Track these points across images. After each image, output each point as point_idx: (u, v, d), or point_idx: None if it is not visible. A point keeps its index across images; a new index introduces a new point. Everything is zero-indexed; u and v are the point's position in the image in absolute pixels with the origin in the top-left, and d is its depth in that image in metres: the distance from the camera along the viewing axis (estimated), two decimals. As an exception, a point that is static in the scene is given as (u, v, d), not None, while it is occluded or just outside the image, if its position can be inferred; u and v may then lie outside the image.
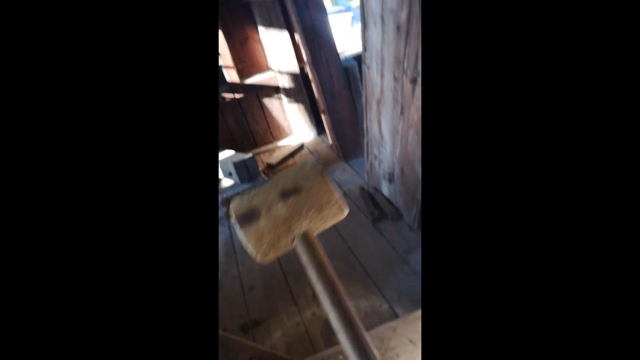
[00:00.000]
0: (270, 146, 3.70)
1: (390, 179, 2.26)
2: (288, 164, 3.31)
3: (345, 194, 2.65)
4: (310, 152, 3.43)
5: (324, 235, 2.28)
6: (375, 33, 1.79)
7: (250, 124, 3.61)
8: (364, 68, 2.06)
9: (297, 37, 3.00)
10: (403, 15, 1.50)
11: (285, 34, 3.24)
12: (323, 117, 3.17)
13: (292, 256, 2.16)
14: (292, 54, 3.32)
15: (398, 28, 1.57)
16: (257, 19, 3.21)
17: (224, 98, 3.35)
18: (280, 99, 3.57)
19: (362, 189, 2.60)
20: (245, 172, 2.81)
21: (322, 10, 2.69)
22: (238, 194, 2.75)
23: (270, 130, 3.72)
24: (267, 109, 3.59)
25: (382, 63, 1.84)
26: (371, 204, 2.39)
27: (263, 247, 0.58)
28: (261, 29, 3.24)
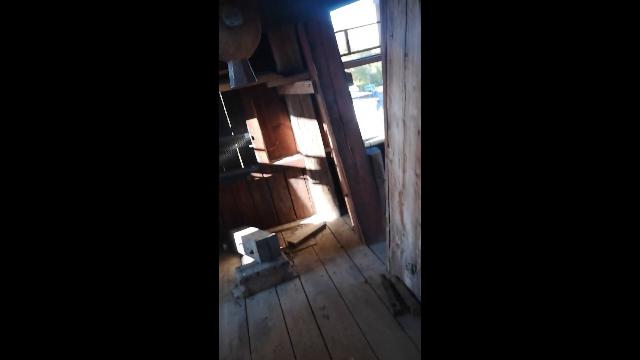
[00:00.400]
0: (292, 224, 3.78)
1: (413, 270, 2.23)
2: (309, 244, 3.34)
3: (366, 281, 2.60)
4: (332, 232, 3.47)
5: (341, 324, 2.20)
6: (397, 133, 1.94)
7: (275, 202, 3.75)
8: (387, 161, 2.19)
9: (325, 126, 3.26)
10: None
11: (314, 123, 3.52)
12: (346, 200, 3.27)
13: (306, 347, 2.06)
14: (319, 140, 3.56)
15: (419, 132, 1.71)
16: (290, 109, 3.53)
17: (252, 177, 3.55)
18: (305, 179, 3.74)
19: (383, 277, 2.55)
20: (267, 251, 2.85)
21: (350, 104, 2.95)
22: (258, 274, 2.75)
23: (294, 209, 3.82)
24: (292, 188, 3.75)
25: (404, 160, 1.95)
26: (393, 295, 2.32)
27: None
28: (293, 118, 3.55)
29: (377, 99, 14.43)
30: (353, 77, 3.49)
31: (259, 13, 0.76)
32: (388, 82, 1.86)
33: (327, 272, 2.84)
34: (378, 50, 4.78)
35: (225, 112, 3.45)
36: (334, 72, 2.87)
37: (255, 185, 3.64)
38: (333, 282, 2.70)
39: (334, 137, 2.94)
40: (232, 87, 0.76)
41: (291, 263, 2.94)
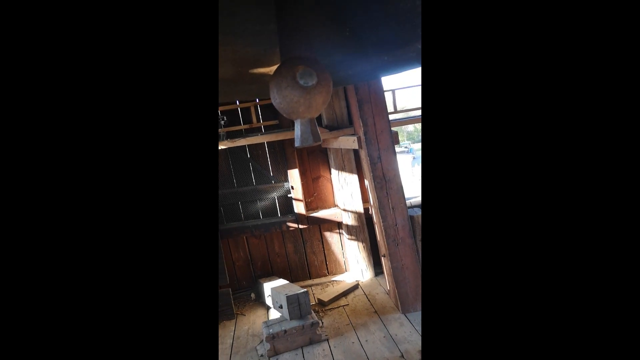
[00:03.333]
0: (324, 279, 3.61)
1: (458, 352, 1.98)
2: (340, 303, 3.13)
3: (402, 356, 2.34)
4: (365, 294, 3.25)
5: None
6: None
7: (308, 255, 3.63)
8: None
9: (366, 182, 3.20)
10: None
11: (354, 178, 3.48)
12: (383, 260, 3.09)
13: None
14: (358, 195, 3.49)
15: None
16: (331, 162, 3.54)
17: (288, 226, 3.50)
18: (341, 234, 3.62)
19: (422, 352, 2.29)
20: (297, 308, 2.69)
21: (394, 162, 2.90)
22: (285, 332, 2.58)
23: (326, 263, 3.68)
24: (326, 242, 3.63)
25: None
26: (432, 378, 2.05)
27: None
28: (333, 171, 3.54)
29: (413, 155, 14.46)
30: (397, 135, 3.47)
31: (331, 74, 0.74)
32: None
33: (358, 339, 2.61)
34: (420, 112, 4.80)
35: (268, 160, 3.51)
36: (380, 129, 2.88)
37: (289, 236, 3.57)
38: (365, 352, 2.46)
39: (375, 194, 2.87)
40: (296, 145, 0.73)
41: (320, 323, 2.74)
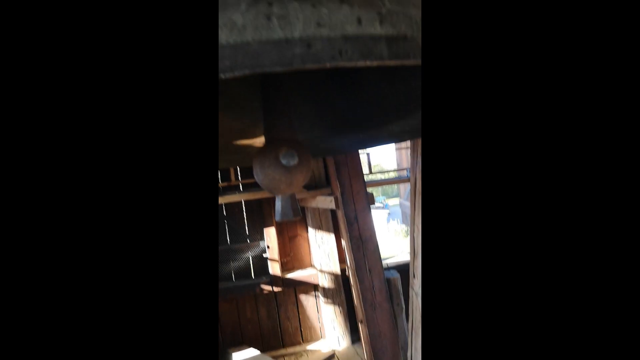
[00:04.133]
0: (298, 348, 3.39)
1: None
2: (315, 376, 2.92)
3: None
4: (342, 364, 3.07)
5: None
6: (424, 264, 1.84)
7: (282, 320, 3.44)
8: (412, 293, 2.03)
9: (343, 242, 3.19)
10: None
11: (331, 237, 3.47)
12: (360, 326, 2.97)
13: None
14: (335, 255, 3.45)
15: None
16: (309, 220, 3.54)
17: (262, 289, 3.35)
18: (317, 297, 3.50)
19: None
20: (267, 382, 2.48)
21: (370, 223, 2.93)
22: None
23: (301, 330, 3.48)
24: (302, 305, 3.48)
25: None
26: None
27: None
28: (311, 230, 3.52)
29: (388, 211, 14.65)
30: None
31: (309, 147, 0.78)
32: (415, 212, 1.85)
33: (334, 418, 2.40)
34: (395, 174, 5.00)
35: (245, 218, 3.47)
36: (356, 190, 2.95)
37: (262, 300, 3.41)
38: None
39: (351, 255, 2.84)
40: (276, 219, 0.74)
41: (293, 400, 2.52)
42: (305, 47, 0.30)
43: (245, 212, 3.48)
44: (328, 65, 0.30)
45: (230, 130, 0.99)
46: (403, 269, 3.50)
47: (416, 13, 0.35)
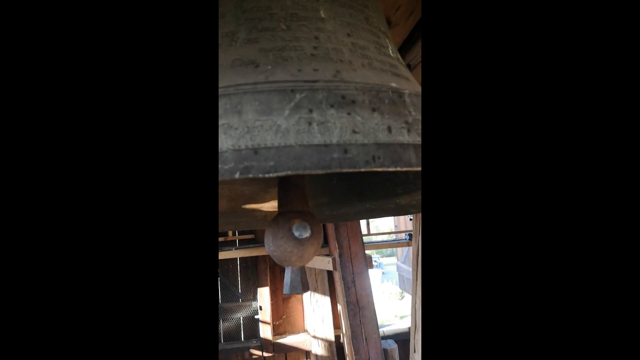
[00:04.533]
0: None
1: None
2: None
3: None
4: None
5: None
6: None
7: (270, 390, 3.19)
8: (412, 367, 1.92)
9: (339, 306, 3.07)
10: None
11: (327, 300, 3.35)
12: (354, 403, 2.74)
13: None
14: (330, 320, 3.30)
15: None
16: (304, 281, 3.43)
17: (251, 354, 3.15)
18: (308, 365, 3.28)
19: None
20: None
21: (368, 288, 2.85)
22: None
23: (289, 403, 3.21)
24: (292, 374, 3.25)
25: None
26: None
27: None
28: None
29: (382, 270, 14.18)
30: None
31: (317, 213, 0.79)
32: (418, 281, 1.82)
33: None
34: (394, 236, 4.98)
35: (239, 276, 3.37)
36: (354, 252, 2.91)
37: (251, 365, 3.19)
38: None
39: (347, 322, 2.72)
40: (285, 292, 0.73)
41: None
42: (342, 152, 0.33)
43: (240, 269, 3.39)
44: (362, 169, 0.33)
45: (240, 195, 1.02)
46: (400, 339, 3.32)
47: (439, 122, 0.39)
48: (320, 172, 0.32)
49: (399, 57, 0.61)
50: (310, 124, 0.34)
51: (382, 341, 2.91)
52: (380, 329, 3.50)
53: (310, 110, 0.35)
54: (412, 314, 1.92)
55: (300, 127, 0.34)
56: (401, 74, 0.55)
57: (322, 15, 0.51)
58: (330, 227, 3.04)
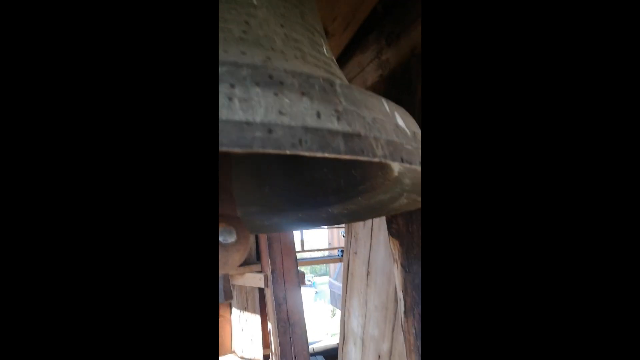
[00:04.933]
0: None
1: None
2: None
3: None
4: None
5: None
6: (354, 352, 1.77)
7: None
8: (340, 384, 1.89)
9: (269, 325, 2.95)
10: (384, 346, 1.52)
11: (257, 319, 3.21)
12: None
13: None
14: (259, 340, 3.16)
15: (379, 356, 1.56)
16: (234, 300, 3.26)
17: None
18: (234, 391, 3.07)
19: None
20: None
21: (300, 305, 2.80)
22: None
23: None
24: (215, 402, 3.01)
25: (361, 385, 1.70)
26: None
27: None
28: (235, 310, 3.24)
29: (316, 289, 14.15)
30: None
31: (247, 222, 0.75)
32: (348, 295, 1.82)
33: None
34: (327, 252, 5.02)
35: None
36: (287, 268, 2.85)
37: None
38: None
39: (277, 340, 2.63)
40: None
41: None
42: (267, 132, 0.31)
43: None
44: (288, 152, 0.31)
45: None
46: (330, 355, 3.29)
47: (368, 114, 0.38)
48: (239, 150, 0.29)
49: (333, 58, 0.60)
50: (231, 99, 0.31)
51: (312, 358, 2.86)
52: (310, 346, 3.44)
53: (232, 86, 0.32)
54: (340, 327, 1.91)
55: (219, 101, 0.30)
56: (335, 73, 0.55)
57: (254, 2, 0.49)
58: (264, 244, 2.95)
